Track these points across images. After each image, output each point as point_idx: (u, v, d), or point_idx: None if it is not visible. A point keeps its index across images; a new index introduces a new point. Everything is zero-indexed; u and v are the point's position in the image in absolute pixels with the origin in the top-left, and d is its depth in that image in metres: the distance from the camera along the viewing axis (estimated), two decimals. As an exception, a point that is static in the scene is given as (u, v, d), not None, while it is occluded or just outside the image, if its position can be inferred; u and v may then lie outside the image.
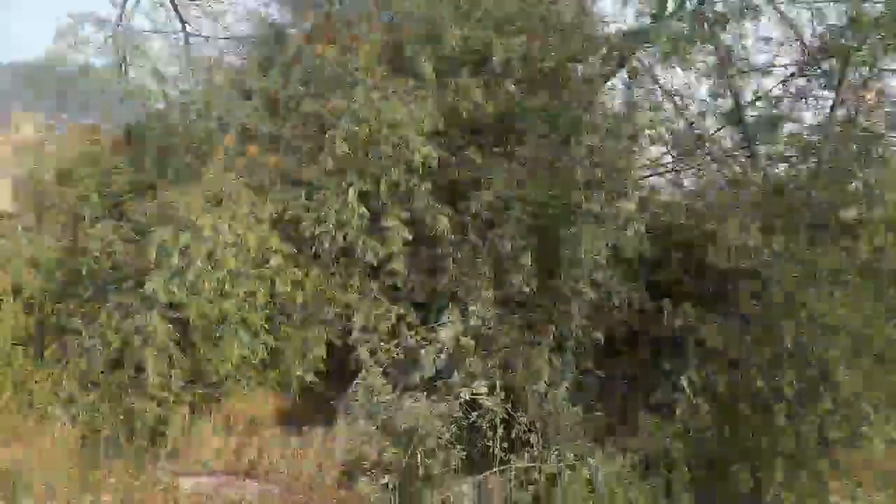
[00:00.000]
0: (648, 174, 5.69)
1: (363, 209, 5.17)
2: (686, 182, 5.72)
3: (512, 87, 5.12)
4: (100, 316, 5.18)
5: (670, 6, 4.82)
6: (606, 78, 5.30)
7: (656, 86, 5.34)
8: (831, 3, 4.87)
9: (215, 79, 6.51)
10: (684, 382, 4.39)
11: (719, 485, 4.49)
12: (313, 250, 5.25)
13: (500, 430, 4.32)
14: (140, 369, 4.97)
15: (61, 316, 5.65)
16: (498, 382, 4.41)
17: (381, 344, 4.80)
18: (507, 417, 4.39)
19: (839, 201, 4.59)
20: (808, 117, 5.31)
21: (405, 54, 5.50)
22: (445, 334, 4.68)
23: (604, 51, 5.12)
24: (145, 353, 4.90)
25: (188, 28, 8.27)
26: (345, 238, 5.15)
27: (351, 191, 5.17)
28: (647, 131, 4.94)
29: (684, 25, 4.87)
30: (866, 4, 4.52)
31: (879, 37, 4.25)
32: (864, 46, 4.31)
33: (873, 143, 4.67)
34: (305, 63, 5.71)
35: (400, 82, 5.31)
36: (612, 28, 5.45)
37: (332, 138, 5.10)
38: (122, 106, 7.29)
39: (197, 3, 8.21)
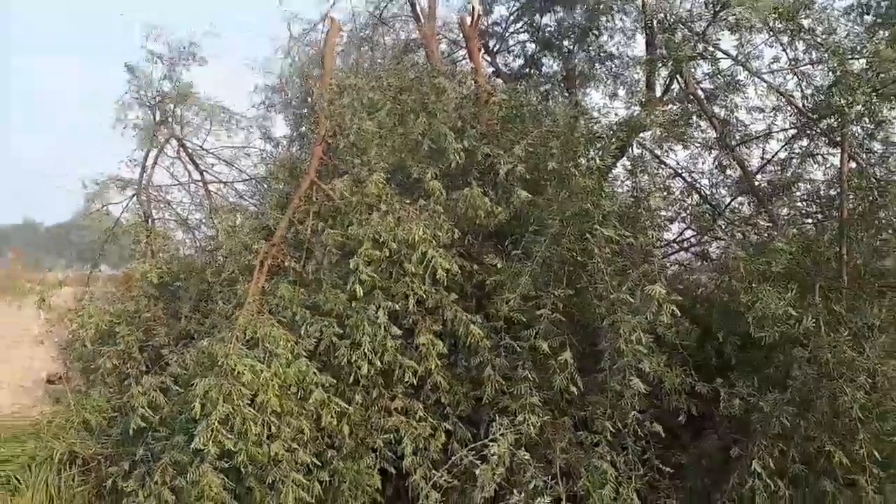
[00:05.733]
0: (672, 252, 5.69)
1: (395, 329, 5.23)
2: (713, 255, 5.71)
3: (522, 195, 5.24)
4: (154, 475, 5.20)
5: (657, 92, 5.00)
6: (608, 168, 5.43)
7: (661, 166, 5.46)
8: (815, 66, 5.03)
9: (236, 221, 6.81)
10: (757, 467, 4.17)
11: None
12: (352, 377, 5.27)
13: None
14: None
15: (116, 479, 5.67)
16: (563, 494, 4.24)
17: (432, 469, 4.69)
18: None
19: (871, 253, 4.51)
20: (819, 175, 5.35)
21: (412, 175, 5.73)
22: (498, 448, 4.56)
23: (603, 143, 5.27)
24: (200, 508, 4.86)
25: (206, 175, 8.77)
26: (381, 360, 5.17)
27: (381, 313, 5.25)
28: (662, 211, 4.99)
29: (675, 108, 5.03)
30: (850, 60, 4.64)
31: (869, 90, 4.32)
32: (856, 101, 4.38)
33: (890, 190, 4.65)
34: (320, 197, 5.97)
35: (411, 202, 5.52)
36: (605, 121, 5.63)
37: (355, 265, 5.24)
38: (150, 257, 7.59)
39: (210, 151, 8.75)
